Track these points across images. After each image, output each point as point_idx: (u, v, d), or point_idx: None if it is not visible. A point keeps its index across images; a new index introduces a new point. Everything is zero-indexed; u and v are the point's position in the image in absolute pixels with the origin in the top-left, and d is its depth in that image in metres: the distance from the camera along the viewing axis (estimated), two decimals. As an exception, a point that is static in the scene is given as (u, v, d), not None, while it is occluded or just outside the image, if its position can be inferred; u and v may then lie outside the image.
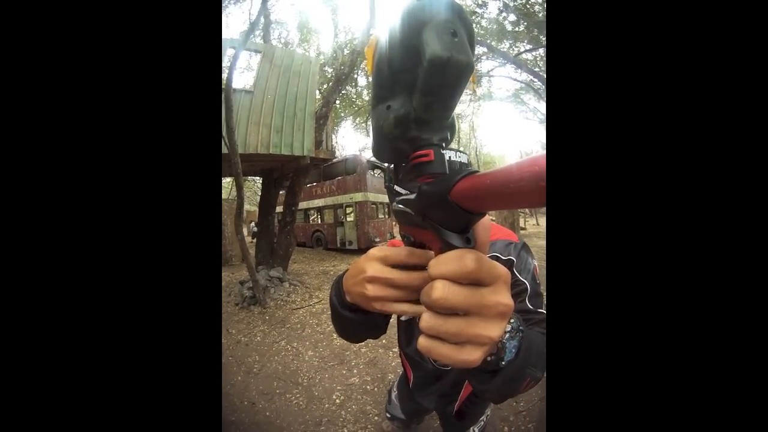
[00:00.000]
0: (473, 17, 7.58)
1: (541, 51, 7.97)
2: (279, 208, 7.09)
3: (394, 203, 0.43)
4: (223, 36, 5.73)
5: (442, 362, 0.31)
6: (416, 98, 0.35)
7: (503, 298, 0.30)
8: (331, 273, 7.43)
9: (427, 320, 0.30)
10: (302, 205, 7.69)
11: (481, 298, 0.29)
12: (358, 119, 13.15)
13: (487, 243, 0.44)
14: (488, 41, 7.78)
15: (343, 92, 8.86)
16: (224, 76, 5.12)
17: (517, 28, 7.82)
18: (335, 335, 4.14)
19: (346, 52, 8.28)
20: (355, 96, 11.53)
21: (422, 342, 0.31)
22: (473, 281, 0.30)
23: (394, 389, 1.41)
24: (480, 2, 7.79)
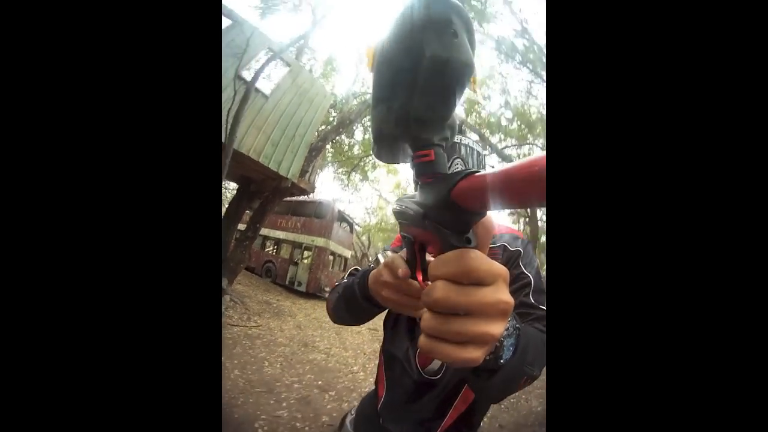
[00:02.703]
0: (476, 106, 8.51)
1: (525, 149, 8.88)
2: (240, 226, 6.77)
3: (394, 203, 0.44)
4: (265, 33, 5.89)
5: (445, 361, 0.32)
6: (416, 98, 0.34)
7: (503, 296, 0.29)
8: (274, 305, 6.87)
9: (428, 320, 0.30)
10: (262, 230, 7.40)
11: (482, 297, 0.29)
12: (341, 169, 13.47)
13: (488, 242, 0.47)
14: (482, 131, 8.61)
15: (337, 138, 9.17)
16: (251, 73, 5.18)
17: (510, 126, 8.80)
18: (266, 363, 3.86)
19: (355, 102, 8.76)
20: (347, 147, 11.95)
21: (423, 342, 0.30)
22: (473, 281, 0.29)
23: (351, 413, 1.09)
24: (486, 95, 8.78)
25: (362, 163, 12.22)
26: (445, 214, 0.32)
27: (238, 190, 7.32)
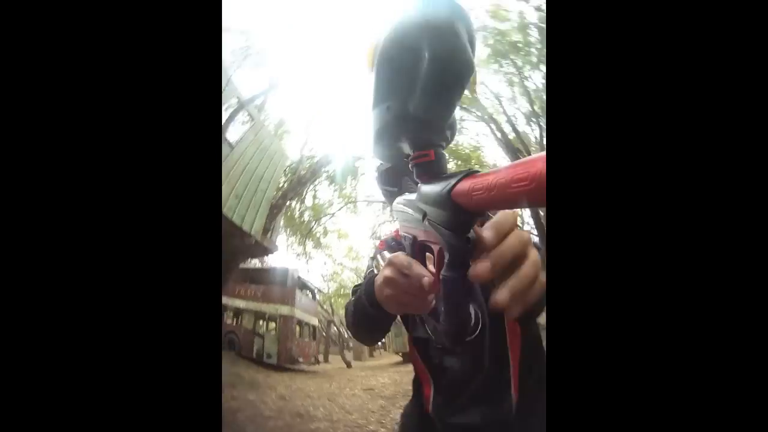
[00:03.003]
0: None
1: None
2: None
3: (394, 203, 0.45)
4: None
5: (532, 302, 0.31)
6: (416, 98, 0.35)
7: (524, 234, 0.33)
8: (246, 378, 6.10)
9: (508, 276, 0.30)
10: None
11: (524, 241, 0.31)
12: (293, 238, 13.26)
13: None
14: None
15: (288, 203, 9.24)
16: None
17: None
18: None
19: (307, 164, 9.05)
20: (297, 213, 11.96)
21: (507, 294, 0.29)
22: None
23: None
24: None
25: (312, 230, 12.21)
26: (445, 214, 0.32)
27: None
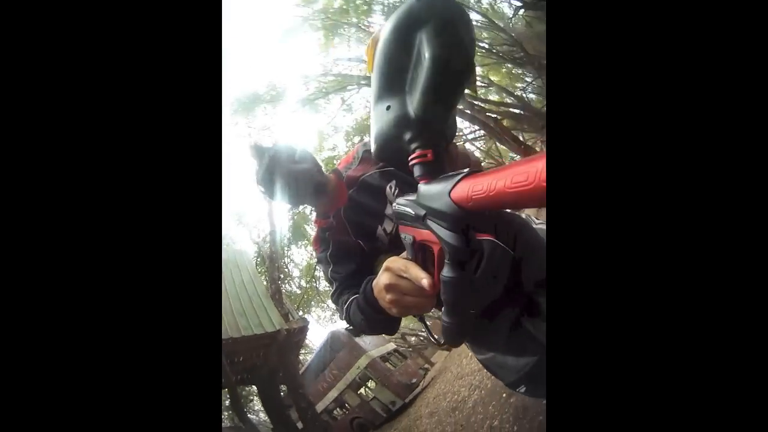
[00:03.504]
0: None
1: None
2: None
3: (395, 203, 0.45)
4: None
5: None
6: (416, 98, 0.35)
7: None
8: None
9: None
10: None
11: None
12: (307, 308, 13.04)
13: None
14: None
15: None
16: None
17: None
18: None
19: (267, 247, 8.88)
20: (295, 287, 11.80)
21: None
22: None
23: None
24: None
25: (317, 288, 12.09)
26: (445, 215, 0.32)
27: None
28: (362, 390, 9.57)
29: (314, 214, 0.88)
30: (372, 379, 9.35)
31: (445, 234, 0.32)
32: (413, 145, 0.37)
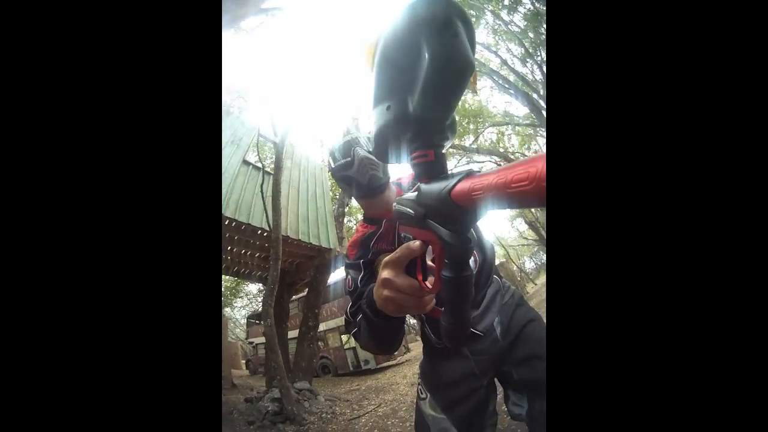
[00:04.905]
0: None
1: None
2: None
3: (395, 203, 0.44)
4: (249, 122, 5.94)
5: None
6: (416, 98, 0.35)
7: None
8: (362, 387, 6.13)
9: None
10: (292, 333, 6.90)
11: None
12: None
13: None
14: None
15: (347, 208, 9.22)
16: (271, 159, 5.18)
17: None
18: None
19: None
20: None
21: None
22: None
23: (422, 396, 0.99)
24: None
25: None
26: (445, 214, 0.32)
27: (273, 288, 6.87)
28: (345, 337, 9.92)
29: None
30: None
31: (445, 234, 0.33)
32: (414, 145, 0.37)
